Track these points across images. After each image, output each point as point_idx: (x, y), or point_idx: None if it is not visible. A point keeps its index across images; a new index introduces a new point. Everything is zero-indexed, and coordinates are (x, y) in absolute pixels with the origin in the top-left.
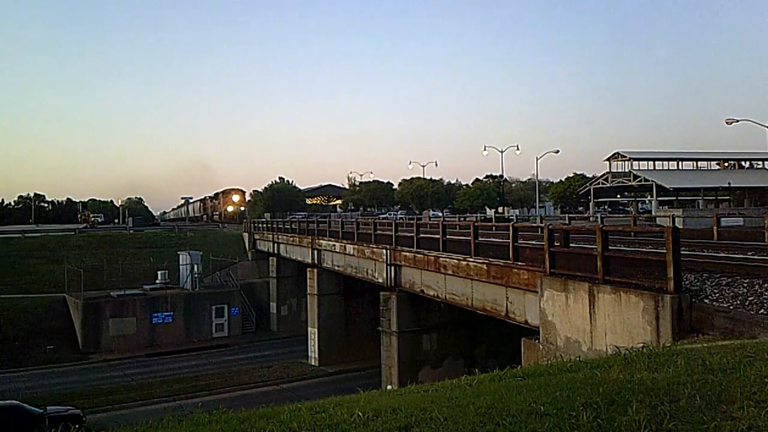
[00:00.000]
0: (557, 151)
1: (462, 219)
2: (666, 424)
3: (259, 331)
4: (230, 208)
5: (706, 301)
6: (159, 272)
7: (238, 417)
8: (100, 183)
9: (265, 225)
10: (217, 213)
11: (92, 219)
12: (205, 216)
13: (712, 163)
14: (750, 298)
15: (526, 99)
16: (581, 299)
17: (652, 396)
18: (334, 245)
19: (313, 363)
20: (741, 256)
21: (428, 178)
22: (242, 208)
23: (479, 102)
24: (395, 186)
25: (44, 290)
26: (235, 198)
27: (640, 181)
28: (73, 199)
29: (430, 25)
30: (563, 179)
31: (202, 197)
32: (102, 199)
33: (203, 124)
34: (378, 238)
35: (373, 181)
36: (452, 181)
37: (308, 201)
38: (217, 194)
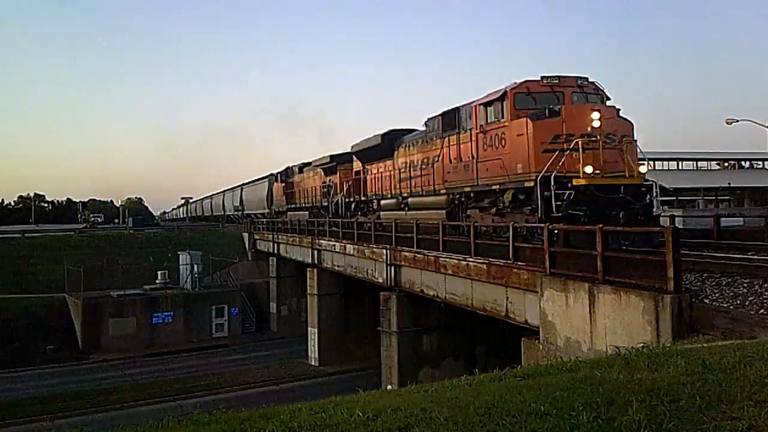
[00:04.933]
0: None
1: None
2: (666, 424)
3: (259, 331)
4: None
5: (706, 301)
6: (159, 272)
7: (238, 417)
8: (100, 183)
9: (265, 225)
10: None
11: (92, 219)
12: (336, 206)
13: (712, 163)
14: (750, 298)
15: None
16: (581, 299)
17: (652, 396)
18: (334, 245)
19: (313, 363)
20: (741, 256)
21: None
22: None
23: None
24: None
25: (44, 290)
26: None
27: None
28: (73, 199)
29: (430, 24)
30: None
31: (283, 168)
32: (102, 199)
33: (202, 125)
34: (378, 238)
35: None
36: None
37: None
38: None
